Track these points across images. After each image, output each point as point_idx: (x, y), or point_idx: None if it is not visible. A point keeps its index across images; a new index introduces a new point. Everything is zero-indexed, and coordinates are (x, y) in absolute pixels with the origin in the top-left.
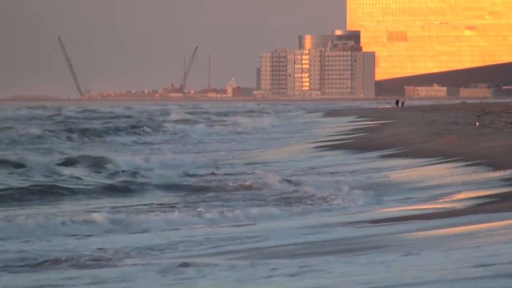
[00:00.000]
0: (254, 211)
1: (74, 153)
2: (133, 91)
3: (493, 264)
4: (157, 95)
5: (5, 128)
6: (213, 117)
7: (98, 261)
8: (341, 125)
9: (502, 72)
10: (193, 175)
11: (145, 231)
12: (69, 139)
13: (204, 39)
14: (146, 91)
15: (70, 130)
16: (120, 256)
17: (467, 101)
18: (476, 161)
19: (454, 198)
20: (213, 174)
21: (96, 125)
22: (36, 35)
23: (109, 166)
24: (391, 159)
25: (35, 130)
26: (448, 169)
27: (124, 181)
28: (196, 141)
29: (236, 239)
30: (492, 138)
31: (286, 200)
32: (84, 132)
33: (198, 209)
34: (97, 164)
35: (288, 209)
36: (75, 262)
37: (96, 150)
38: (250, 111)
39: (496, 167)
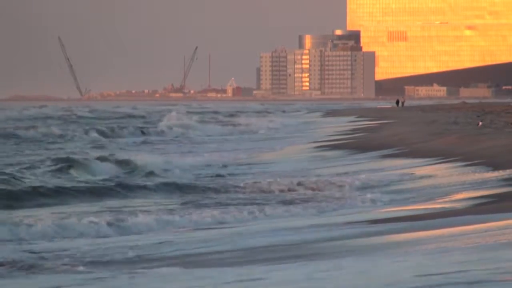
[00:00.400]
0: (240, 212)
1: (99, 153)
2: (133, 91)
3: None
4: (157, 95)
5: (27, 128)
6: (220, 117)
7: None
8: (341, 125)
9: (502, 72)
10: (199, 176)
11: (137, 233)
12: (91, 138)
13: (204, 39)
14: (146, 91)
15: (89, 130)
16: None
17: (467, 101)
18: (476, 161)
19: (453, 198)
20: (218, 175)
21: (111, 124)
22: (36, 35)
23: (125, 165)
24: (391, 159)
25: (57, 130)
26: (447, 169)
27: (134, 181)
28: (204, 142)
29: (197, 243)
30: (492, 138)
31: (280, 201)
32: (101, 132)
33: (190, 210)
34: (120, 163)
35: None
36: (18, 266)
37: (115, 149)
38: (255, 112)
39: (496, 167)
